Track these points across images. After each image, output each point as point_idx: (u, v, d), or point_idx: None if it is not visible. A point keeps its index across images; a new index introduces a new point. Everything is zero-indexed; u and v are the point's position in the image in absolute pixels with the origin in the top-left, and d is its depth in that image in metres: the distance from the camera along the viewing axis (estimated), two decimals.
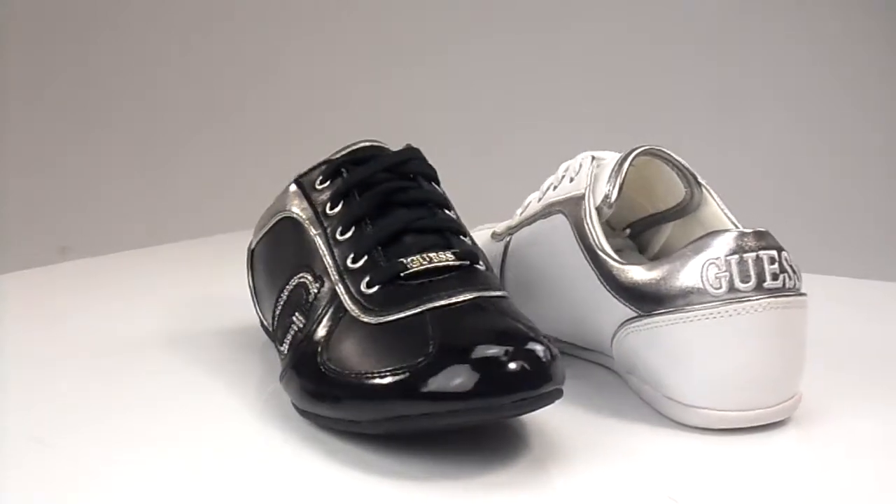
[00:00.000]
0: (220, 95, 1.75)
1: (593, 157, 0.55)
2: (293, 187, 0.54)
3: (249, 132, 1.73)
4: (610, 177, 0.53)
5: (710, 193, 0.54)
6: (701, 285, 0.46)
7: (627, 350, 0.50)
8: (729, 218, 0.53)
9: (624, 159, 0.53)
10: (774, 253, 0.46)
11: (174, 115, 1.75)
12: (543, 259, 0.56)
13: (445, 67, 1.62)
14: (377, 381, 0.42)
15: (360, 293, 0.47)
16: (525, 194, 0.60)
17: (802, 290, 0.47)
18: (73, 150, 1.71)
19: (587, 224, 0.52)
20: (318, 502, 0.40)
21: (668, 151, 0.54)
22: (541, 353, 0.42)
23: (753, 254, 0.46)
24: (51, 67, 1.72)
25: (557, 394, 0.44)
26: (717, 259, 0.46)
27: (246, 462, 0.44)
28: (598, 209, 0.53)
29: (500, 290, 0.48)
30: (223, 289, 0.61)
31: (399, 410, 0.42)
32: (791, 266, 0.46)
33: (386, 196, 0.50)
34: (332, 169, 0.52)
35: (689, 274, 0.46)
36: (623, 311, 0.49)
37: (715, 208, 0.54)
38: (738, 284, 0.45)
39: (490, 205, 0.67)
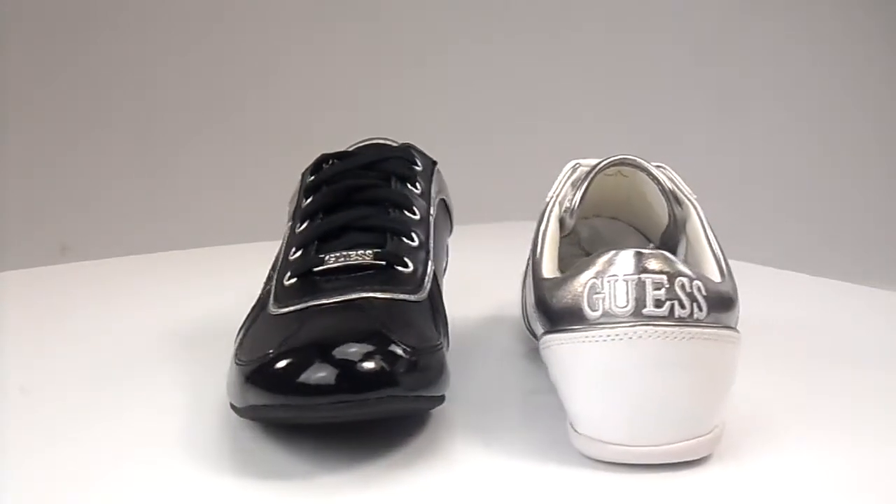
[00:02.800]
0: (226, 96, 1.71)
1: (576, 165, 0.53)
2: (299, 179, 0.58)
3: (254, 135, 1.69)
4: (577, 187, 0.51)
5: (693, 206, 0.50)
6: (580, 306, 0.43)
7: (546, 364, 0.48)
8: (706, 234, 0.49)
9: (592, 169, 0.51)
10: (663, 278, 0.42)
11: (176, 116, 1.71)
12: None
13: (469, 69, 1.64)
14: (243, 368, 0.45)
15: (281, 285, 0.50)
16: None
17: (718, 323, 0.43)
18: (73, 150, 1.68)
19: (539, 231, 0.51)
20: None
21: (645, 164, 0.51)
22: (379, 358, 0.42)
23: (635, 277, 0.43)
24: (51, 67, 1.68)
25: (414, 400, 0.43)
26: (597, 279, 0.43)
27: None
28: (562, 219, 0.51)
29: (411, 293, 0.48)
30: (226, 295, 0.61)
31: (249, 400, 0.43)
32: (692, 294, 0.43)
33: (344, 193, 0.53)
34: (317, 164, 0.55)
35: (573, 293, 0.44)
36: (539, 325, 0.48)
37: (696, 223, 0.50)
38: (613, 308, 0.43)
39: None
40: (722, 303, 0.44)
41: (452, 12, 1.69)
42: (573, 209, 0.50)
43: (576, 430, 0.45)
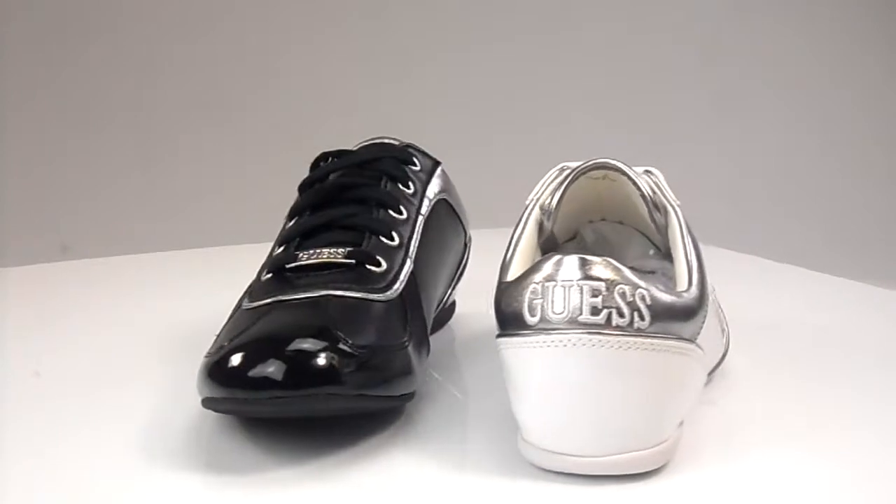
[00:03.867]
0: (228, 97, 1.67)
1: (563, 168, 0.52)
2: None
3: (256, 135, 1.66)
4: (555, 189, 0.51)
5: (674, 212, 0.49)
6: (521, 311, 0.43)
7: None
8: (683, 241, 0.48)
9: (571, 172, 0.50)
10: (601, 285, 0.42)
11: (177, 116, 1.68)
12: None
13: (489, 73, 1.67)
14: (205, 361, 0.46)
15: (258, 280, 0.51)
16: None
17: (666, 333, 0.42)
18: (73, 150, 1.66)
19: (514, 234, 0.50)
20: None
21: (625, 168, 0.49)
22: (319, 355, 0.43)
23: (572, 283, 0.42)
24: (51, 67, 1.66)
25: (361, 399, 0.44)
26: (539, 284, 0.43)
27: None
28: (541, 222, 0.51)
29: (379, 291, 0.49)
30: (224, 294, 0.57)
31: (205, 392, 0.45)
32: (634, 303, 0.41)
33: (333, 191, 0.54)
34: (316, 161, 0.57)
35: (518, 297, 0.44)
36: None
37: (675, 230, 0.49)
38: (550, 314, 0.42)
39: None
40: (672, 313, 0.42)
41: (469, 13, 1.71)
42: (550, 211, 0.49)
43: (521, 437, 0.44)
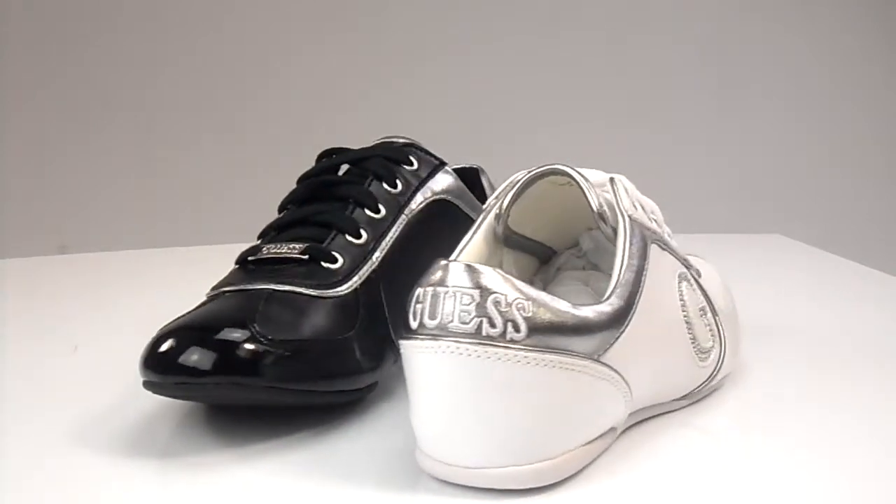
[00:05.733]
0: (228, 96, 1.63)
1: (528, 172, 0.51)
2: None
3: (255, 134, 1.61)
4: (506, 193, 0.50)
5: (623, 222, 0.47)
6: (407, 315, 0.43)
7: None
8: (623, 253, 0.46)
9: (523, 177, 0.49)
10: (475, 293, 0.41)
11: (178, 116, 1.65)
12: None
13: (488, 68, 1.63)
14: None
15: (229, 271, 0.54)
16: None
17: (546, 347, 0.41)
18: (73, 150, 1.63)
19: (463, 239, 0.50)
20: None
21: (574, 174, 0.48)
22: (221, 345, 0.44)
23: (448, 290, 0.41)
24: (51, 67, 1.63)
25: (276, 392, 0.45)
26: (422, 289, 0.43)
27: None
28: (494, 225, 0.50)
29: (326, 288, 0.50)
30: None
31: (142, 376, 0.47)
32: (509, 314, 0.40)
33: (318, 188, 0.55)
34: (319, 157, 0.58)
35: (409, 301, 0.44)
36: None
37: (620, 240, 0.47)
38: (425, 320, 0.42)
39: None
40: (559, 327, 0.41)
41: (482, 11, 1.67)
42: (500, 214, 0.49)
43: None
